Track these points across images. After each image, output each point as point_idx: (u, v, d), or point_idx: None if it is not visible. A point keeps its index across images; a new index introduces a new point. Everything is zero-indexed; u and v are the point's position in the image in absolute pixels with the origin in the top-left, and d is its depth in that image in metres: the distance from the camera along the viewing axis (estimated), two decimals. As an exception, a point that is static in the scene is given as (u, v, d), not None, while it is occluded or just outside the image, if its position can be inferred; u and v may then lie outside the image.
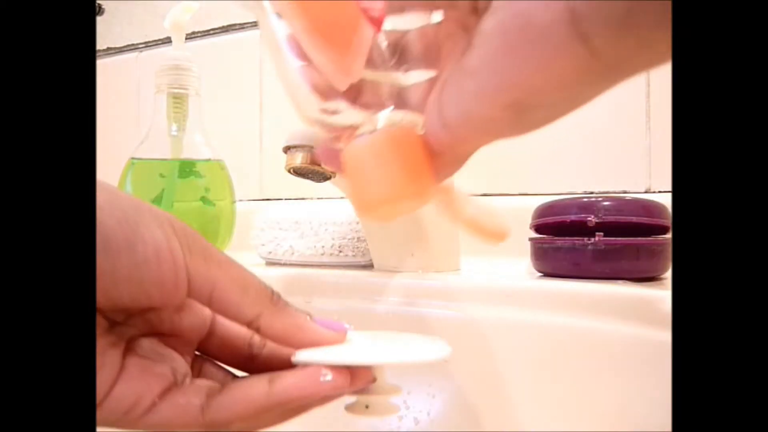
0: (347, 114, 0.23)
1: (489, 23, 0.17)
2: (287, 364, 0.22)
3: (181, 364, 0.22)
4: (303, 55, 0.22)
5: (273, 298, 0.22)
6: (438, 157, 0.22)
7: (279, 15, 0.22)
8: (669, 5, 0.15)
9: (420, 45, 0.23)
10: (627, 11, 0.16)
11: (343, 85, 0.22)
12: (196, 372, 0.24)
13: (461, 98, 0.19)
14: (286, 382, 0.20)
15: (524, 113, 0.18)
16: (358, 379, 0.21)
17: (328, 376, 0.20)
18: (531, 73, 0.17)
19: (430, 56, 0.22)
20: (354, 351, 0.22)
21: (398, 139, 0.21)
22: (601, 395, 0.34)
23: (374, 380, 0.22)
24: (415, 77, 0.23)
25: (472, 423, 0.37)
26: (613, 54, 0.17)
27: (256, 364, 0.24)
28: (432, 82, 0.22)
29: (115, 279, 0.19)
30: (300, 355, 0.21)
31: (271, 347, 0.24)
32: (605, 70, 0.17)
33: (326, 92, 0.22)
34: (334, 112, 0.23)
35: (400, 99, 0.23)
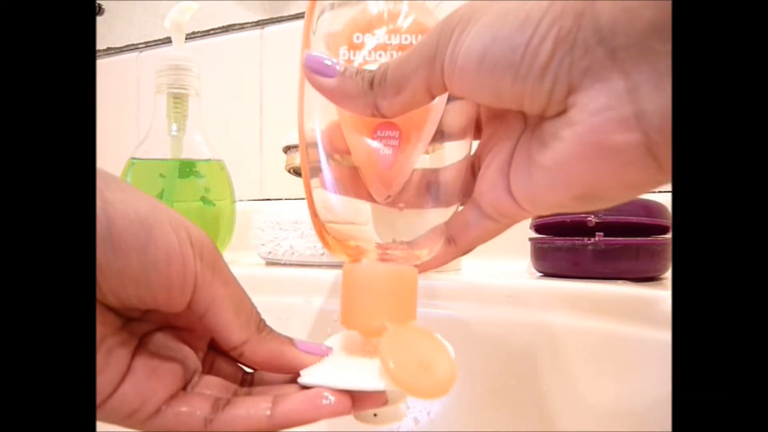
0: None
1: (567, 132, 0.18)
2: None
3: (193, 359, 0.23)
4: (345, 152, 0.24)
5: (260, 325, 0.23)
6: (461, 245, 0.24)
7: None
8: None
9: (455, 125, 0.24)
10: None
11: (380, 198, 0.24)
12: (208, 367, 0.24)
13: (530, 185, 0.21)
14: (287, 407, 0.21)
15: (589, 203, 0.20)
16: (368, 403, 0.21)
17: (331, 399, 0.20)
18: (602, 179, 0.19)
19: (464, 133, 0.24)
20: (359, 373, 0.22)
21: (390, 276, 0.23)
22: (601, 395, 0.34)
23: (386, 403, 0.22)
24: (443, 155, 0.24)
25: (472, 423, 0.37)
26: None
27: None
28: (467, 162, 0.24)
29: (123, 279, 0.19)
30: (305, 377, 0.22)
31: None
32: (668, 177, 0.18)
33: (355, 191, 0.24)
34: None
35: (430, 180, 0.24)
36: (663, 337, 0.33)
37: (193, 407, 0.21)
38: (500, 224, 0.23)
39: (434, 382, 0.21)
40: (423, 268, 0.25)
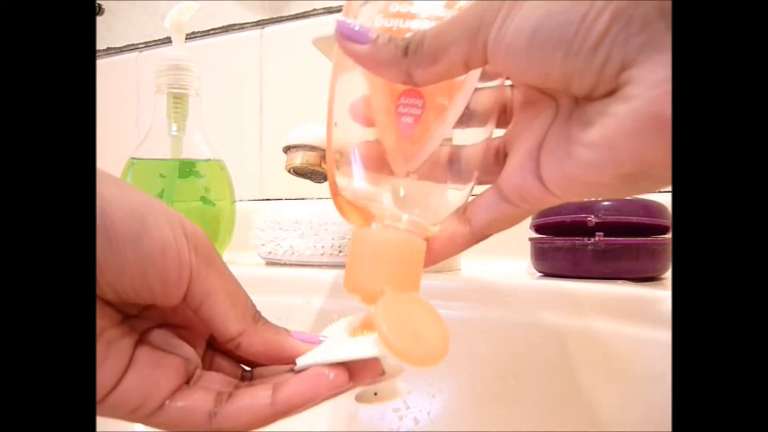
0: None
1: (620, 108, 0.18)
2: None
3: (193, 355, 0.23)
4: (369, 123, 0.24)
5: (255, 316, 0.23)
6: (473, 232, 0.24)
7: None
8: None
9: (482, 106, 0.24)
10: None
11: (399, 173, 0.23)
12: (207, 364, 0.24)
13: (567, 166, 0.20)
14: (288, 392, 0.21)
15: (631, 183, 0.20)
16: (364, 374, 0.22)
17: (329, 374, 0.21)
18: (654, 155, 0.18)
19: (487, 118, 0.24)
20: (351, 346, 0.22)
21: (397, 243, 0.23)
22: (601, 395, 0.34)
23: (383, 373, 0.22)
24: (467, 134, 0.24)
25: (472, 423, 0.37)
26: None
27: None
28: (487, 143, 0.24)
29: (119, 273, 0.19)
30: (301, 361, 0.22)
31: None
32: None
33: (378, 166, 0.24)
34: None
35: (453, 159, 0.24)
36: (663, 337, 0.33)
37: (197, 401, 0.21)
38: (519, 210, 0.23)
39: (426, 350, 0.21)
40: (436, 253, 0.24)
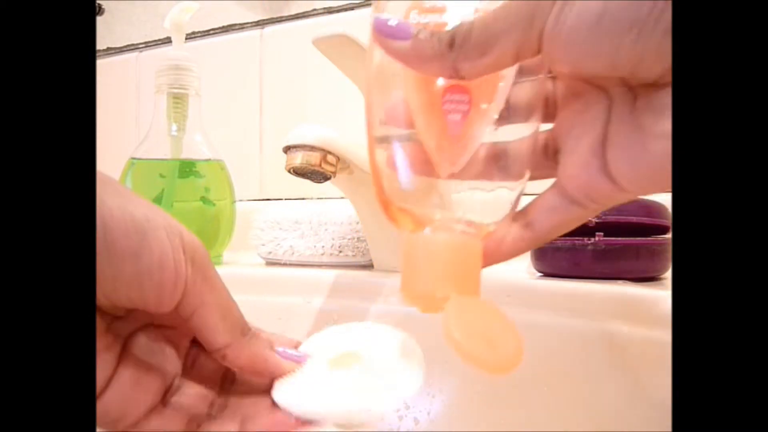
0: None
1: None
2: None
3: (174, 362, 0.23)
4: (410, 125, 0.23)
5: (244, 329, 0.23)
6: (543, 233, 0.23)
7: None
8: None
9: (523, 100, 0.23)
10: None
11: (444, 174, 0.22)
12: (191, 363, 0.24)
13: (647, 159, 0.19)
14: (256, 428, 0.22)
15: None
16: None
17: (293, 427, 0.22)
18: None
19: (531, 111, 0.23)
20: (332, 394, 0.22)
21: (455, 246, 0.22)
22: (601, 395, 0.34)
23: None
24: (509, 131, 0.23)
25: (472, 423, 0.37)
26: None
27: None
28: (535, 138, 0.23)
29: (115, 284, 0.20)
30: (277, 394, 0.23)
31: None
32: None
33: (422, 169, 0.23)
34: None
35: (497, 157, 0.23)
36: (663, 337, 0.33)
37: (168, 426, 0.22)
38: (587, 210, 0.22)
39: (501, 357, 0.20)
40: (496, 255, 0.23)
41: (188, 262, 0.21)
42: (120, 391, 0.21)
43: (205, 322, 0.22)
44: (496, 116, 0.22)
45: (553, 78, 0.23)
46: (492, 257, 0.23)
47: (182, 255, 0.21)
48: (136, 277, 0.20)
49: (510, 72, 0.22)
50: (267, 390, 0.23)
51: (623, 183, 0.20)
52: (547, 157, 0.23)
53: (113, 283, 0.19)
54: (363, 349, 0.24)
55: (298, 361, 0.24)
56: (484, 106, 0.22)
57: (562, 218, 0.23)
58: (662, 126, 0.18)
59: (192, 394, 0.23)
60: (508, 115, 0.23)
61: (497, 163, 0.23)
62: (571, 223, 0.23)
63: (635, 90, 0.20)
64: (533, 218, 0.23)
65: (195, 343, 0.24)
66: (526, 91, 0.23)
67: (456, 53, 0.19)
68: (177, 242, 0.21)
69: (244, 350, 0.23)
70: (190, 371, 0.24)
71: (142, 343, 0.22)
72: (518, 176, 0.23)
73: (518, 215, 0.23)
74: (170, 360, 0.23)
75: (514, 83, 0.22)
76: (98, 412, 0.20)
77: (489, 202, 0.23)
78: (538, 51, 0.19)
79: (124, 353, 0.22)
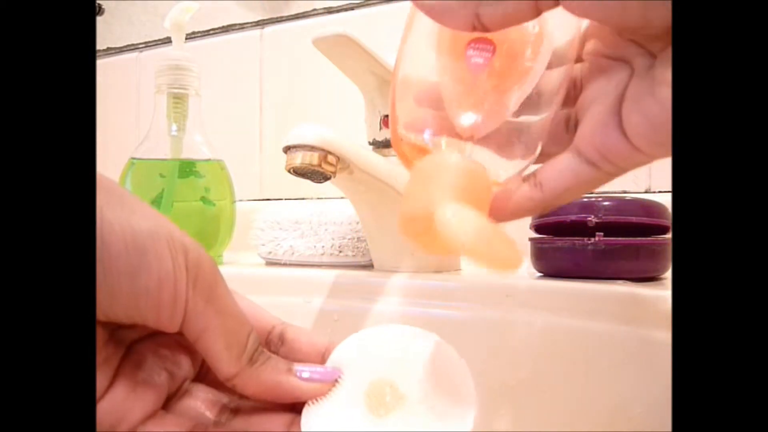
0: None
1: None
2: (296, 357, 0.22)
3: (185, 366, 0.23)
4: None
5: (253, 357, 0.21)
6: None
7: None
8: None
9: (550, 86, 0.23)
10: None
11: (464, 132, 0.22)
12: (207, 367, 0.23)
13: (654, 107, 0.19)
14: None
15: None
16: None
17: None
18: None
19: (556, 95, 0.23)
20: None
21: (463, 166, 0.21)
22: (601, 395, 0.34)
23: None
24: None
25: (473, 423, 0.37)
26: None
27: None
28: (554, 114, 0.23)
29: (112, 300, 0.19)
30: (306, 427, 0.21)
31: (288, 345, 0.24)
32: None
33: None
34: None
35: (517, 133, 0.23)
36: (663, 337, 0.33)
37: (168, 428, 0.21)
38: (599, 172, 0.22)
39: (508, 254, 0.19)
40: (503, 212, 0.23)
41: (190, 282, 0.20)
42: (113, 401, 0.20)
43: (208, 349, 0.21)
44: (520, 101, 0.23)
45: (580, 61, 0.24)
46: (499, 212, 0.23)
47: (184, 274, 0.20)
48: (132, 295, 0.19)
49: (542, 58, 0.22)
50: (286, 407, 0.22)
51: (635, 139, 0.20)
52: (567, 131, 0.23)
53: (110, 301, 0.19)
54: (403, 380, 0.22)
55: (325, 381, 0.22)
56: (510, 69, 0.22)
57: (573, 179, 0.22)
58: (666, 75, 0.18)
59: (201, 398, 0.23)
60: (538, 100, 0.23)
61: (517, 139, 0.23)
62: (582, 187, 0.22)
63: (654, 56, 0.20)
64: (544, 177, 0.22)
65: None
66: (553, 77, 0.23)
67: (476, 1, 0.19)
68: (180, 261, 0.20)
69: (252, 380, 0.21)
70: (205, 376, 0.24)
71: (145, 350, 0.22)
72: (532, 151, 0.23)
73: (529, 176, 0.23)
74: (180, 364, 0.23)
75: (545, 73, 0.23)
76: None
77: (501, 163, 0.23)
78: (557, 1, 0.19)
79: (125, 360, 0.21)
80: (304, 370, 0.22)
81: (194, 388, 0.23)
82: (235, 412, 0.23)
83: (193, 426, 0.21)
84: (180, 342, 0.23)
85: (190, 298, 0.20)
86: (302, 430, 0.21)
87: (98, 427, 0.20)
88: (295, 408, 0.22)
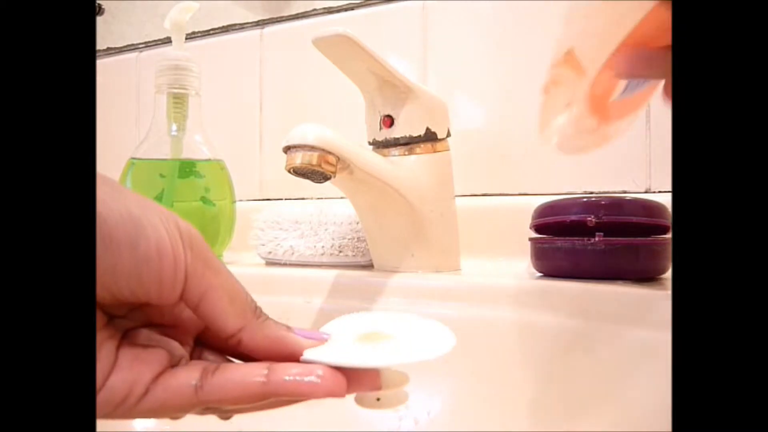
0: None
1: None
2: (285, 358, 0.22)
3: (178, 347, 0.23)
4: None
5: (256, 311, 0.22)
6: None
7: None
8: None
9: None
10: None
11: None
12: (196, 358, 0.24)
13: None
14: (283, 376, 0.20)
15: None
16: (362, 384, 0.21)
17: (326, 380, 0.20)
18: None
19: None
20: (360, 352, 0.22)
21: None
22: (601, 395, 0.34)
23: (379, 388, 0.22)
24: None
25: (472, 423, 0.37)
26: None
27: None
28: None
29: (115, 274, 0.19)
30: (308, 355, 0.22)
31: None
32: None
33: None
34: None
35: None
36: (663, 337, 0.32)
37: (179, 378, 0.21)
38: None
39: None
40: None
41: (186, 248, 0.21)
42: (121, 371, 0.20)
43: (213, 307, 0.21)
44: None
45: None
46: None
47: (180, 241, 0.20)
48: (134, 266, 0.19)
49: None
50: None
51: None
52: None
53: (113, 275, 0.19)
54: (392, 330, 0.24)
55: (319, 340, 0.23)
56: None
57: None
58: None
59: (204, 357, 0.23)
60: None
61: None
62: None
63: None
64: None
65: (199, 341, 0.24)
66: None
67: None
68: (173, 229, 0.20)
69: (258, 333, 0.22)
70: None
71: (141, 333, 0.22)
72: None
73: None
74: (173, 345, 0.23)
75: None
76: (104, 399, 0.19)
77: None
78: None
79: (123, 340, 0.21)
80: (300, 330, 0.23)
81: (192, 362, 0.23)
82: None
83: (205, 367, 0.21)
84: (169, 334, 0.23)
85: (189, 262, 0.21)
86: (302, 358, 0.22)
87: (113, 400, 0.20)
88: None
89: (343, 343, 0.23)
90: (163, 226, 0.20)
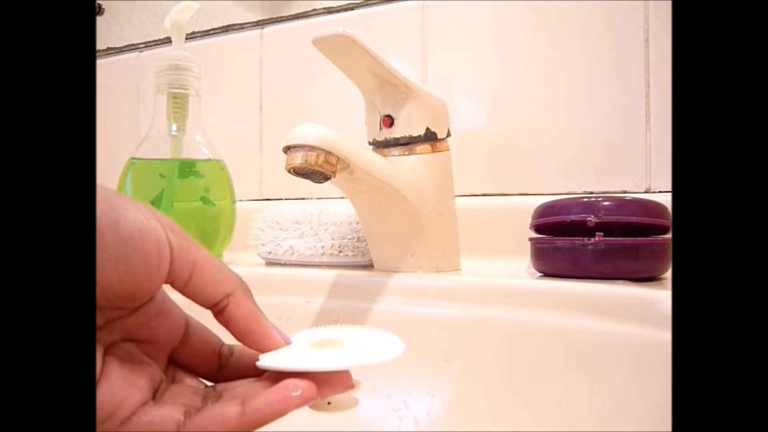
0: None
1: None
2: (253, 373, 0.24)
3: (157, 371, 0.23)
4: None
5: (243, 284, 0.24)
6: None
7: None
8: None
9: None
10: None
11: None
12: (170, 379, 0.24)
13: None
14: (258, 404, 0.21)
15: None
16: (334, 386, 0.22)
17: (298, 392, 0.21)
18: None
19: None
20: (317, 356, 0.23)
21: None
22: (601, 395, 0.34)
23: (353, 386, 0.23)
24: None
25: (472, 423, 0.37)
26: None
27: (223, 372, 0.25)
28: None
29: (102, 260, 0.20)
30: (264, 360, 0.23)
31: (237, 356, 0.25)
32: None
33: None
34: None
35: None
36: (663, 337, 0.33)
37: (164, 414, 0.21)
38: None
39: None
40: None
41: (167, 228, 0.21)
42: (111, 386, 0.21)
43: (204, 276, 0.22)
44: None
45: None
46: None
47: (158, 223, 0.21)
48: (119, 246, 0.20)
49: None
50: (256, 376, 0.24)
51: None
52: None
53: (100, 260, 0.19)
54: (345, 338, 0.25)
55: (286, 340, 0.24)
56: None
57: None
58: None
59: (185, 387, 0.23)
60: None
61: None
62: None
63: None
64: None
65: (171, 359, 0.24)
66: None
67: None
68: (148, 213, 0.21)
69: (244, 302, 0.23)
70: (170, 387, 0.24)
71: (124, 349, 0.22)
72: None
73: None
74: (153, 366, 0.23)
75: None
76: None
77: None
78: None
79: (108, 354, 0.22)
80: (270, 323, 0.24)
81: (171, 389, 0.23)
82: (218, 396, 0.23)
83: (185, 409, 0.22)
84: (145, 351, 0.23)
85: (172, 239, 0.21)
86: (257, 363, 0.23)
87: (100, 413, 0.20)
88: None
89: (297, 350, 0.24)
90: (139, 210, 0.21)
